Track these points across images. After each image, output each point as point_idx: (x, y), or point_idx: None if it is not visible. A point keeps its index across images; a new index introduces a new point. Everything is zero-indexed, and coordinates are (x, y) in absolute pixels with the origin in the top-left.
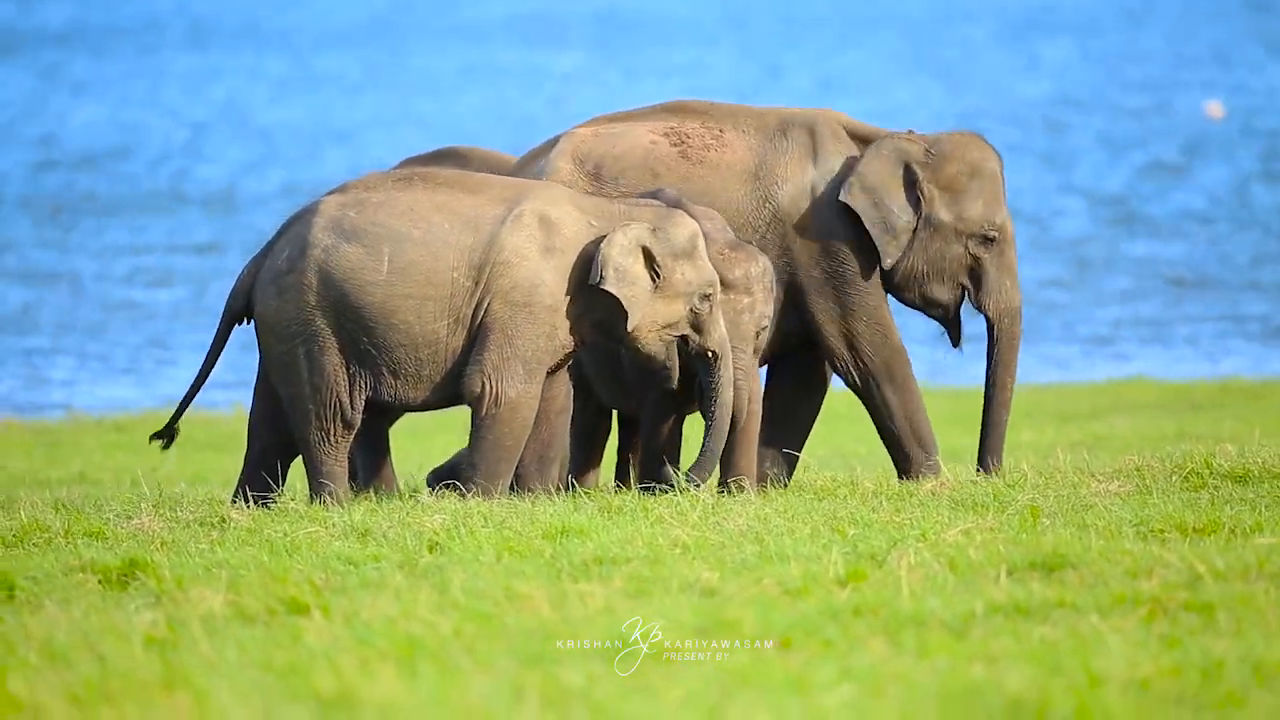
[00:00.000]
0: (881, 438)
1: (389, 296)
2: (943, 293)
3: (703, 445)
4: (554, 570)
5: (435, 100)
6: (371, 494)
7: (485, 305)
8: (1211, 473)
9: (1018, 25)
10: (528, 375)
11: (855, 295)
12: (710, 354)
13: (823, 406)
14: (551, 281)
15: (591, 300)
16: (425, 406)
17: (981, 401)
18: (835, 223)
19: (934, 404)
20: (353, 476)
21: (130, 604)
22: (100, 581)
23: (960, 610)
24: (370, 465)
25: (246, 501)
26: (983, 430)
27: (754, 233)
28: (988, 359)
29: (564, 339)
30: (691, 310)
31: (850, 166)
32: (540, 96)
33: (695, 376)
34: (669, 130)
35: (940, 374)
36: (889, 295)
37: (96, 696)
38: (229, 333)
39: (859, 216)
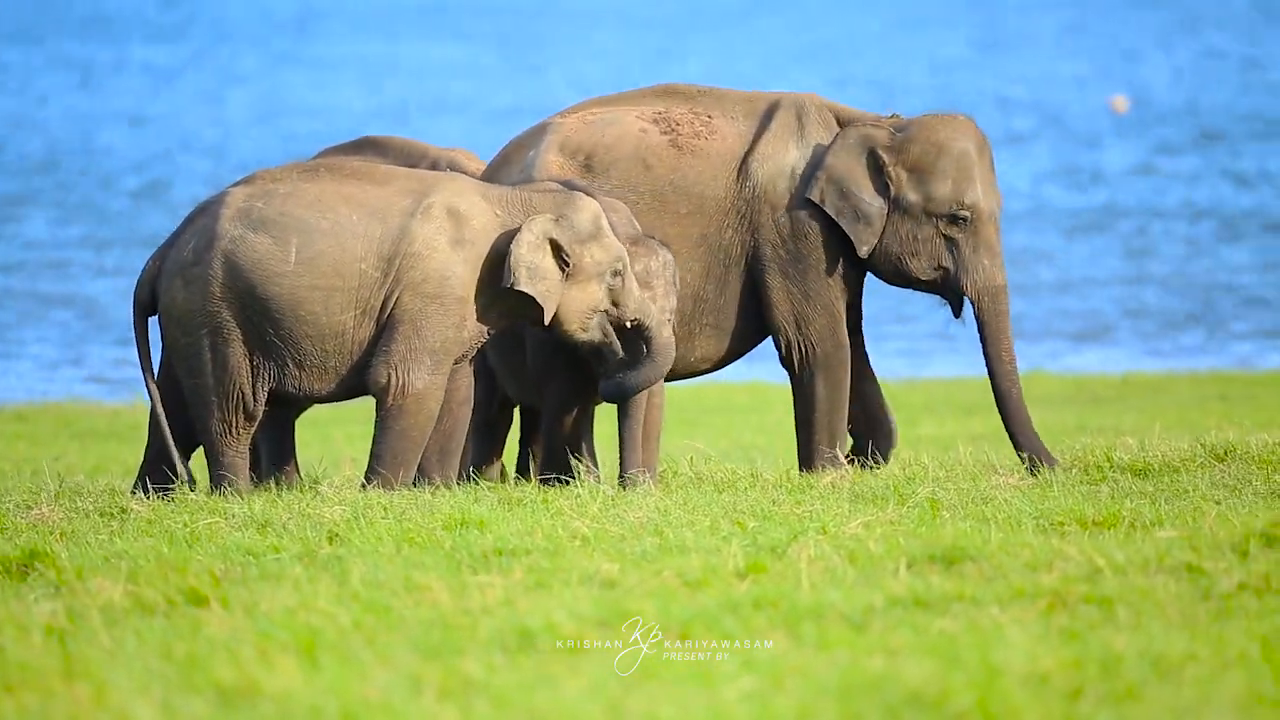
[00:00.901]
0: (796, 424)
1: (296, 288)
2: (921, 273)
3: (631, 375)
4: (453, 562)
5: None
6: (272, 485)
7: (395, 297)
8: (1112, 466)
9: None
10: (434, 367)
11: (816, 283)
12: (634, 323)
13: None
14: (462, 273)
15: (501, 291)
16: (330, 398)
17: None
18: (809, 210)
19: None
20: (254, 466)
21: (29, 594)
22: None
23: (860, 603)
24: (274, 455)
25: (147, 492)
26: (1003, 420)
27: (734, 213)
28: (980, 343)
29: (473, 330)
30: (607, 288)
31: (821, 157)
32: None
33: (597, 368)
34: (658, 117)
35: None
36: (875, 276)
37: None
38: (146, 325)
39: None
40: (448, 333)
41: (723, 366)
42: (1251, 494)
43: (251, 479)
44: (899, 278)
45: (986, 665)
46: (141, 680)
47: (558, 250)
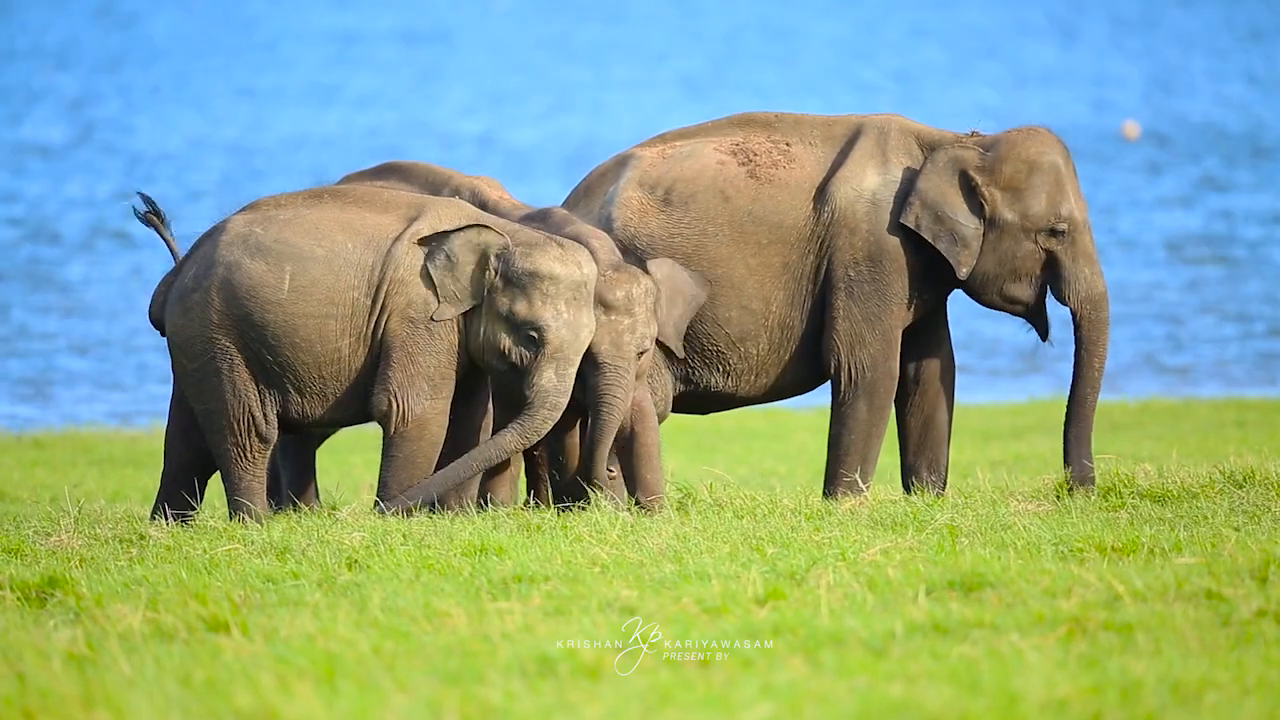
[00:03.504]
0: (830, 445)
1: (290, 315)
2: (1021, 290)
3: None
4: (473, 588)
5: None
6: (291, 510)
7: (384, 323)
8: (1131, 492)
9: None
10: (433, 391)
11: (879, 308)
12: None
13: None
14: None
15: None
16: (334, 424)
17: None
18: (889, 235)
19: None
20: (275, 494)
21: (49, 621)
22: (19, 598)
23: (879, 629)
24: (295, 485)
25: (165, 518)
26: (1067, 421)
27: (815, 239)
28: (1075, 348)
29: (466, 355)
30: (514, 343)
31: (911, 181)
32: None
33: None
34: (735, 148)
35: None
36: (970, 297)
37: (15, 713)
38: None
39: (919, 236)
40: (439, 357)
41: (810, 390)
42: (1271, 520)
43: (271, 506)
44: (997, 296)
45: (1006, 692)
46: (161, 707)
47: (483, 268)
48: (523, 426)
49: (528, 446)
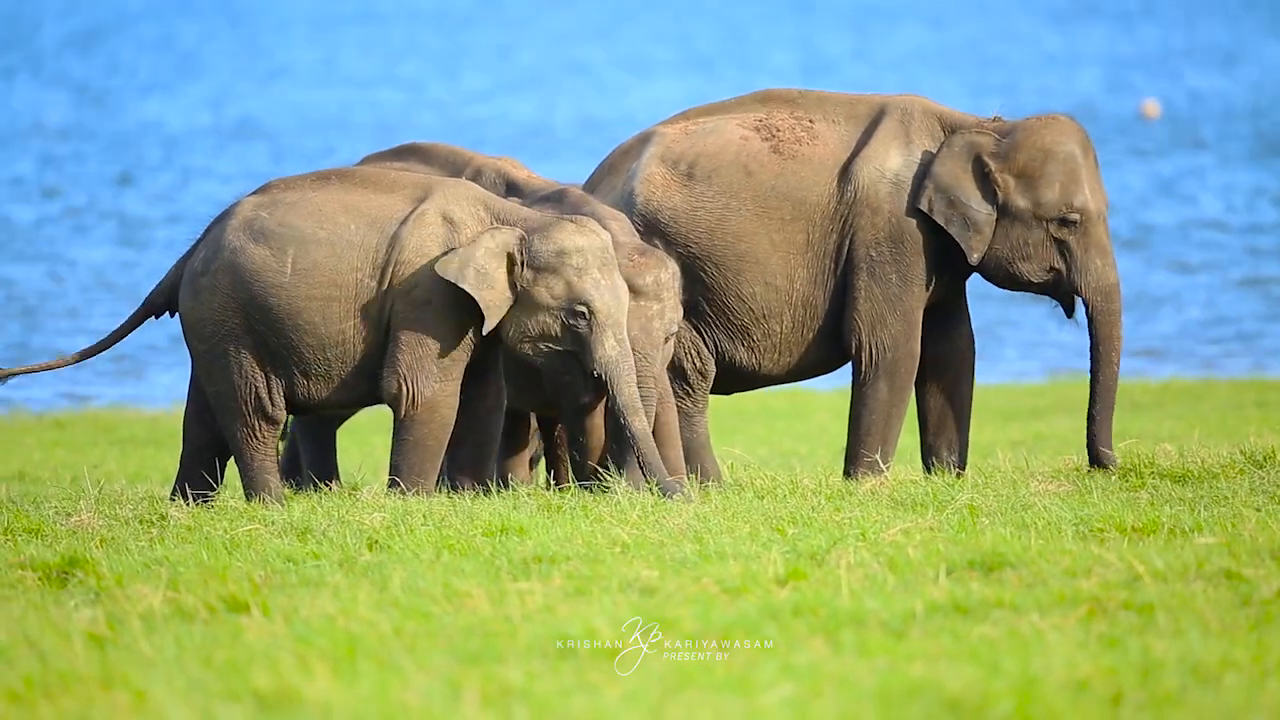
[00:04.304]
0: (850, 424)
1: (293, 298)
2: (1033, 275)
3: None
4: (493, 568)
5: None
6: (312, 491)
7: (391, 305)
8: (1151, 472)
9: None
10: (442, 374)
11: (900, 289)
12: (597, 375)
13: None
14: None
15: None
16: (342, 406)
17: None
18: (910, 217)
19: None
20: (295, 474)
21: (70, 601)
22: (40, 579)
23: (899, 610)
24: (316, 466)
25: (185, 499)
26: (1090, 417)
27: (837, 217)
28: (1090, 338)
29: (475, 336)
30: (564, 325)
31: (928, 165)
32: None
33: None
34: (759, 124)
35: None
36: (990, 282)
37: (36, 693)
38: (140, 322)
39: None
40: (448, 339)
41: (832, 370)
42: None
43: (292, 487)
44: (1010, 281)
45: (1026, 672)
46: (181, 687)
47: (511, 267)
48: (624, 403)
49: (645, 418)
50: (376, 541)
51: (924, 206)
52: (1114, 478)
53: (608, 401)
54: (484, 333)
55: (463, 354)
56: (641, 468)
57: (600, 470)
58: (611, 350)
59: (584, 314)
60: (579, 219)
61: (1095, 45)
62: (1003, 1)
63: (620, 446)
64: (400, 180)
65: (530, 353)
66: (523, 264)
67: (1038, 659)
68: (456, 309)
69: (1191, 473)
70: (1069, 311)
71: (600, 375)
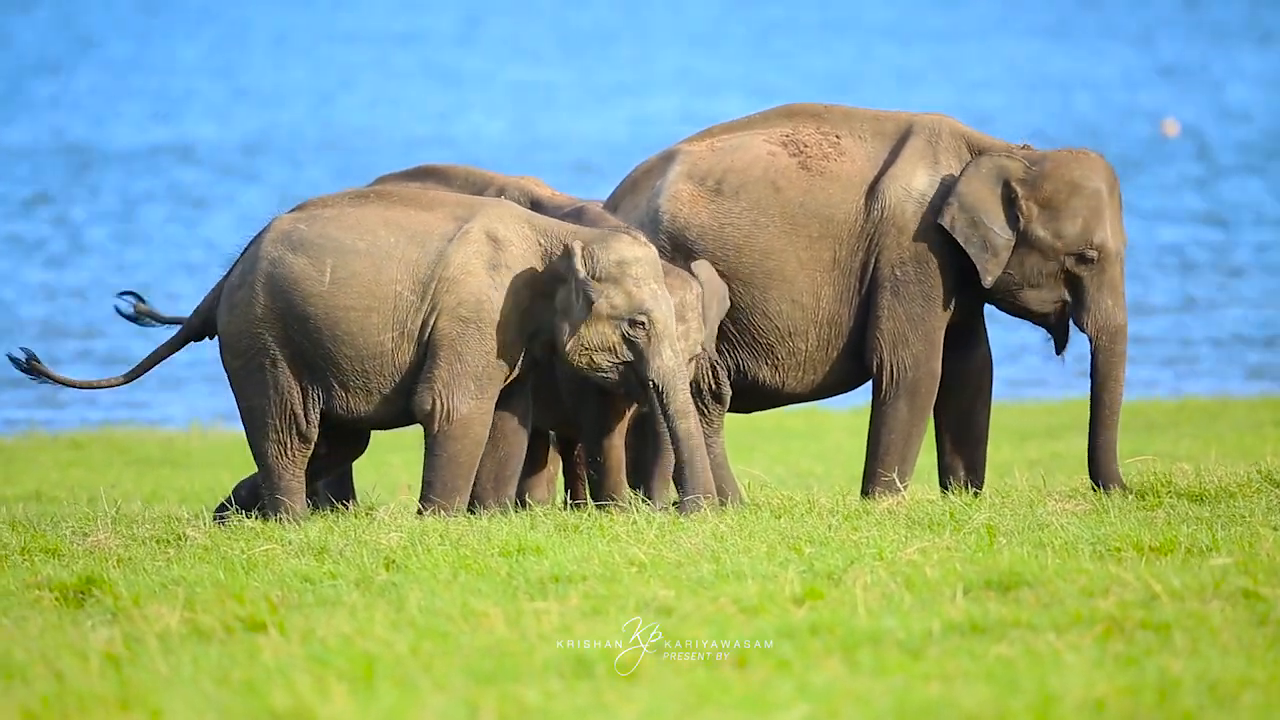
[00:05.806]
0: (869, 443)
1: (331, 308)
2: (1040, 305)
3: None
4: (510, 588)
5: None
6: (329, 510)
7: (433, 322)
8: (1168, 491)
9: None
10: (478, 391)
11: (923, 308)
12: (652, 384)
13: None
14: (498, 298)
15: (540, 318)
16: (380, 422)
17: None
18: (934, 235)
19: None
20: (310, 492)
21: (87, 621)
22: (57, 599)
23: (916, 629)
24: (332, 483)
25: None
26: (1090, 453)
27: (864, 235)
28: (1090, 377)
29: (514, 356)
30: (623, 336)
31: (953, 183)
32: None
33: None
34: (785, 140)
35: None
36: (989, 304)
37: (53, 713)
38: (181, 345)
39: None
40: (488, 357)
41: (853, 389)
42: None
43: (308, 505)
44: (1014, 308)
45: (1043, 691)
46: (198, 707)
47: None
48: (677, 409)
49: (697, 422)
50: (393, 561)
51: (945, 223)
52: (1130, 497)
53: (639, 416)
54: (557, 349)
55: (500, 373)
56: (683, 471)
57: (615, 498)
58: (669, 360)
59: (643, 324)
60: (621, 229)
61: (1110, 63)
62: (1001, 22)
63: (640, 467)
64: (442, 199)
65: (586, 365)
66: (593, 275)
67: (1055, 678)
68: (497, 329)
69: (1208, 492)
70: (1060, 348)
71: (657, 385)
